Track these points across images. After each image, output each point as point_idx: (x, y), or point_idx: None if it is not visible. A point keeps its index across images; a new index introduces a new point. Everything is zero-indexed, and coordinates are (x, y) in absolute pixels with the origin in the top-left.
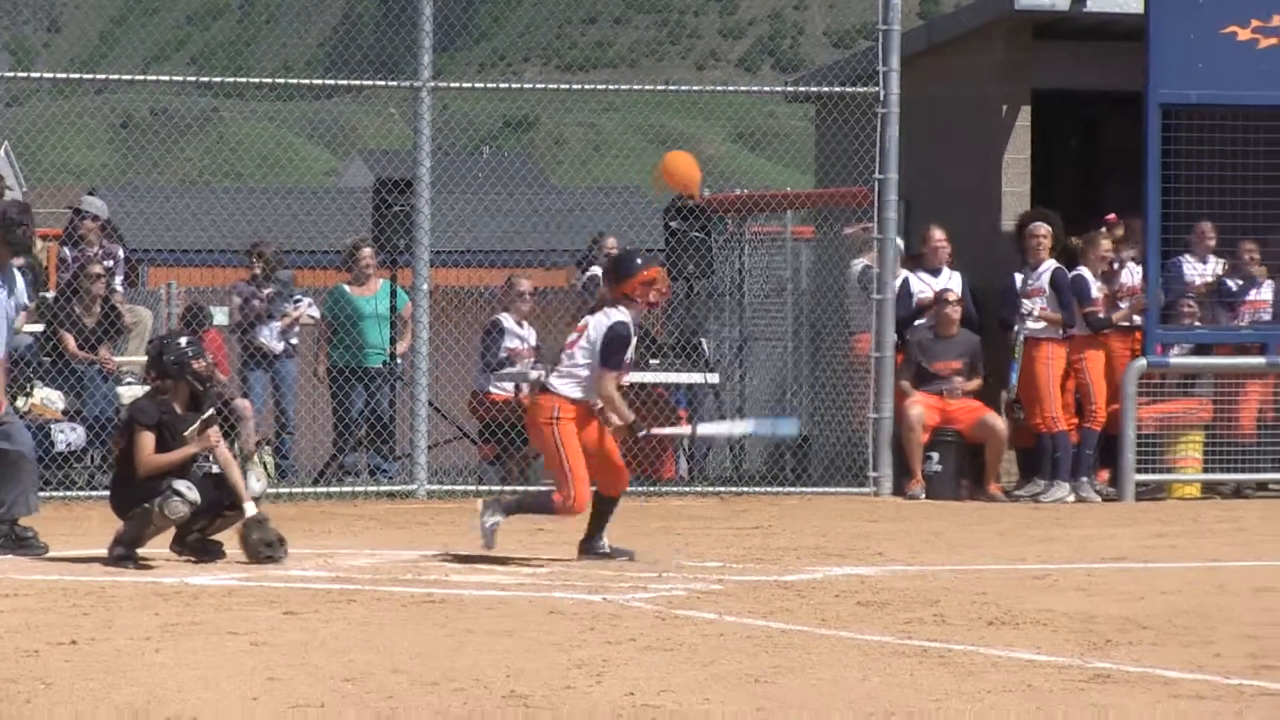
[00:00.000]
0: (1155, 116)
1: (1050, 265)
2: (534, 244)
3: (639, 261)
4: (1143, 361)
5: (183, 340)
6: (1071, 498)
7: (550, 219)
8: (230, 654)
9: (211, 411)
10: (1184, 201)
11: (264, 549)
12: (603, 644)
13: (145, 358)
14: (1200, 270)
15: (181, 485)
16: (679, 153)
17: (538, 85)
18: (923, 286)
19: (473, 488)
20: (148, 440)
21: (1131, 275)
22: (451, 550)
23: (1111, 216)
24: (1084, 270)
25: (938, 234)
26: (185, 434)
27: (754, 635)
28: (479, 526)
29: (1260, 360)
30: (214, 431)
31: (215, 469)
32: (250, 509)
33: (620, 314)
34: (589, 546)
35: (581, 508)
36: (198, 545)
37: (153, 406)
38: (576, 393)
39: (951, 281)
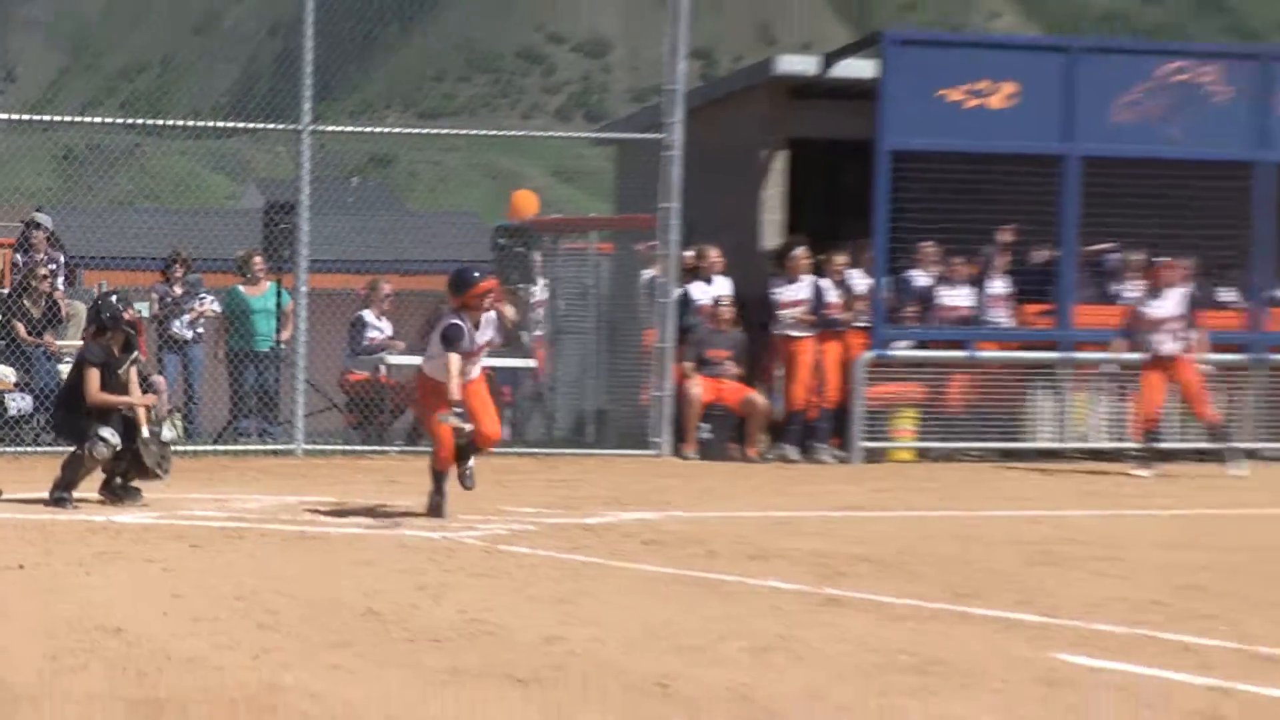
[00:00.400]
0: (885, 160)
1: (810, 279)
2: (392, 255)
3: (475, 276)
4: (870, 353)
5: (114, 298)
6: (798, 457)
7: (405, 236)
8: (146, 578)
9: (137, 353)
10: (910, 226)
11: (160, 459)
12: (441, 572)
13: (80, 342)
14: (924, 281)
15: (105, 432)
16: (524, 192)
17: (396, 129)
18: (701, 294)
19: (340, 447)
20: (95, 375)
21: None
22: (323, 497)
23: (864, 240)
24: (821, 281)
25: (713, 252)
26: (119, 371)
27: (561, 566)
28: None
29: (961, 353)
30: (147, 397)
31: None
32: (145, 432)
33: (455, 317)
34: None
35: (445, 463)
36: (120, 491)
37: (99, 349)
38: (439, 374)
39: (724, 288)
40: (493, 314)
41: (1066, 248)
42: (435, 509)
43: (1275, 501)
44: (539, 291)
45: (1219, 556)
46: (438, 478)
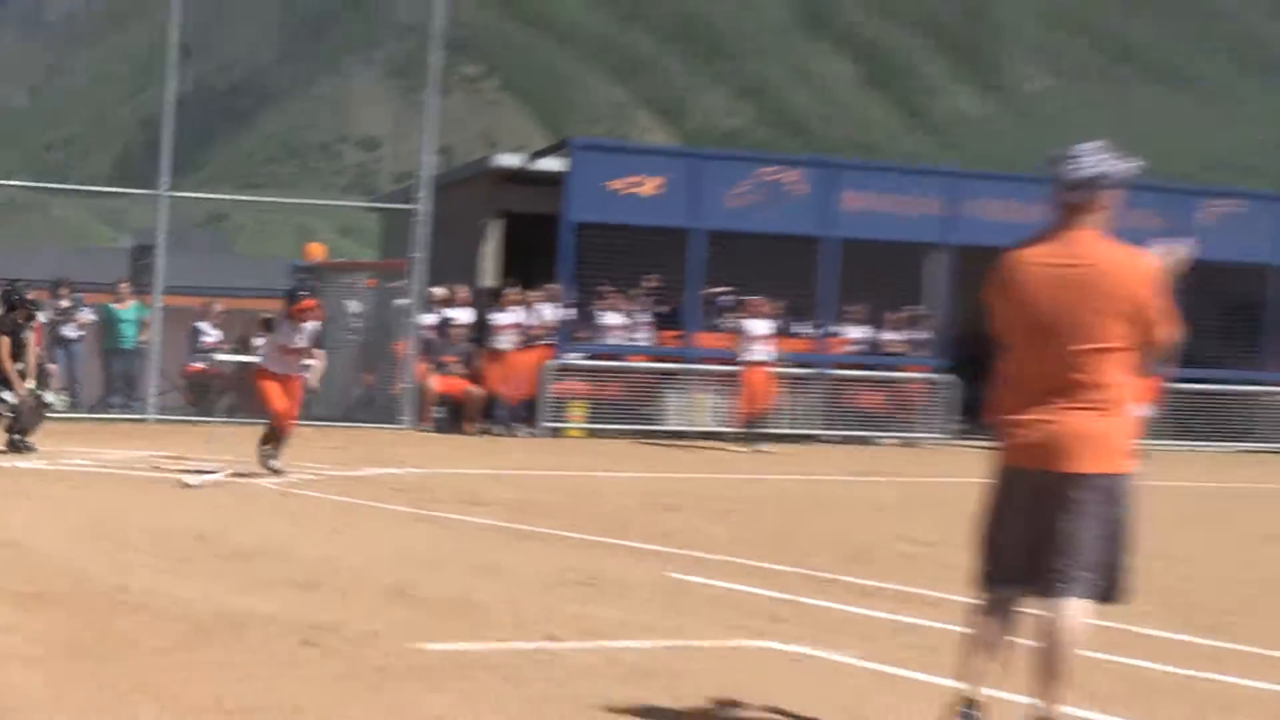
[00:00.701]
0: (570, 229)
1: (517, 309)
2: (221, 282)
3: (303, 294)
4: (555, 361)
5: (18, 283)
6: (502, 432)
7: (232, 270)
8: (38, 508)
9: (35, 321)
10: (588, 274)
11: (34, 412)
12: (249, 508)
13: None
14: (596, 312)
15: (6, 394)
16: (316, 243)
17: (230, 196)
18: (453, 316)
19: (180, 418)
20: (5, 343)
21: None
22: (167, 452)
23: (555, 283)
24: (525, 310)
25: (462, 289)
26: (22, 335)
27: (335, 506)
28: (269, 467)
29: (617, 362)
30: (23, 386)
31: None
32: (32, 385)
33: (282, 322)
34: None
35: (282, 421)
36: (20, 444)
37: (9, 321)
38: (270, 365)
39: (466, 315)
40: (313, 324)
41: (692, 291)
42: (265, 461)
43: (822, 470)
44: (354, 306)
45: (786, 504)
46: (270, 438)
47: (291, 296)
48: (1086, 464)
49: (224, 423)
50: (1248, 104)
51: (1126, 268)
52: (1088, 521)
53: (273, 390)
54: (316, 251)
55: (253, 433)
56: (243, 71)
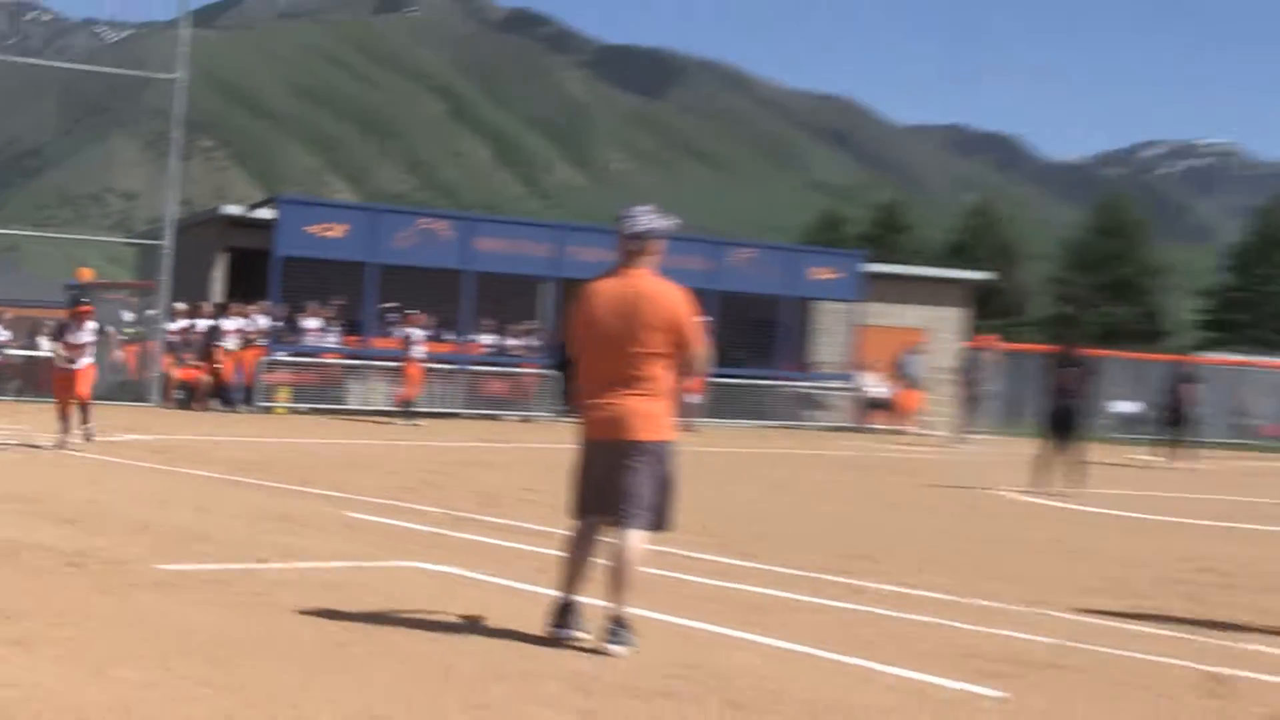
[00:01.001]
0: (279, 262)
1: (240, 319)
2: (16, 295)
3: (80, 301)
4: (267, 357)
5: None
6: (226, 410)
7: (19, 286)
8: None
9: None
10: (293, 294)
11: None
12: (27, 463)
13: None
14: (299, 321)
15: None
16: (86, 268)
17: (21, 231)
18: (193, 323)
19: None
20: None
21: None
22: None
23: (267, 300)
24: (245, 320)
25: (206, 304)
26: None
27: (95, 462)
28: (84, 438)
29: (314, 359)
30: None
31: None
32: None
33: (67, 324)
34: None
35: (68, 406)
36: None
37: None
38: (60, 363)
39: (205, 323)
40: (92, 324)
41: (369, 307)
42: (60, 436)
43: (462, 439)
44: (127, 315)
45: (436, 462)
46: (62, 419)
47: (74, 303)
48: (640, 434)
49: (14, 401)
50: (763, 181)
51: (665, 296)
52: (642, 475)
53: (60, 384)
54: (85, 274)
55: (37, 408)
56: (31, 141)
